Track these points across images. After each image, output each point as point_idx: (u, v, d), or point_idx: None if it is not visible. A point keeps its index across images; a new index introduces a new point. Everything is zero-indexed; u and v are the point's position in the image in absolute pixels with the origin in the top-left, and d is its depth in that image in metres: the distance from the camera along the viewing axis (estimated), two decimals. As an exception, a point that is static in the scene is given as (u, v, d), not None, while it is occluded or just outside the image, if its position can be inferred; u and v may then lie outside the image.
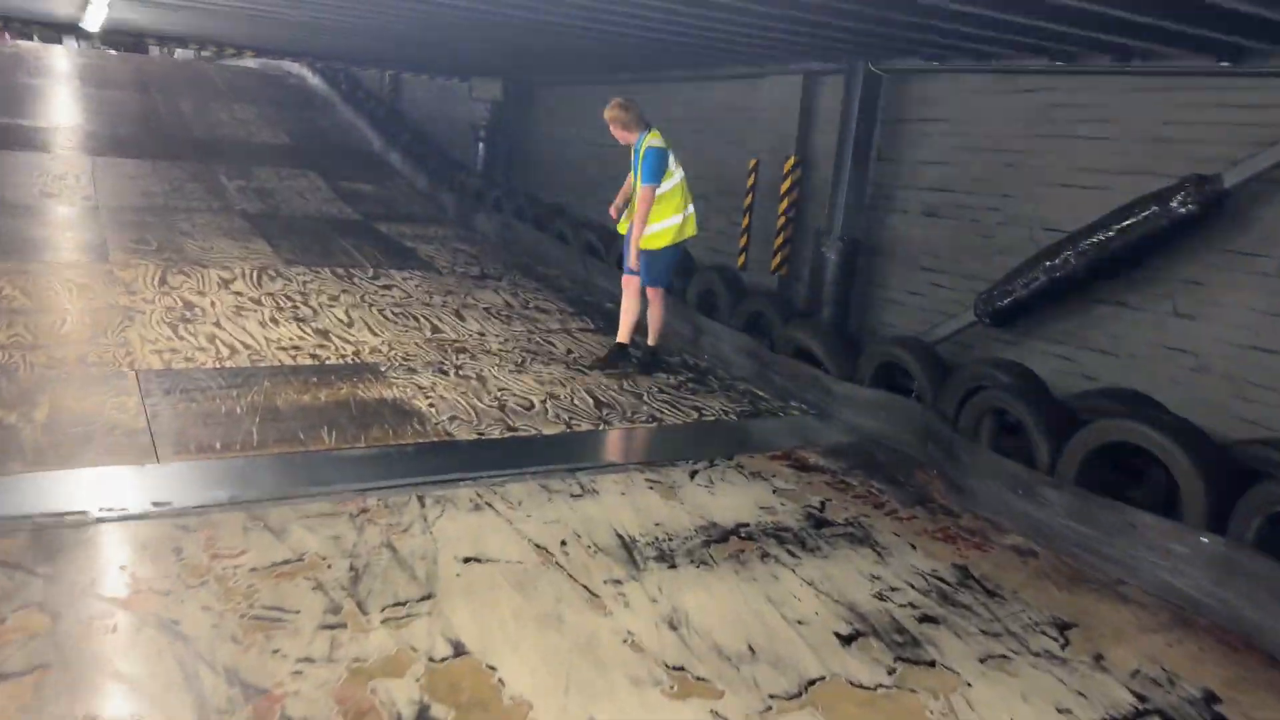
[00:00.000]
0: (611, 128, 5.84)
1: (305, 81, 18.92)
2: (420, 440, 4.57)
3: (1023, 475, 4.12)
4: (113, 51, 25.44)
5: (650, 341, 6.19)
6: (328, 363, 5.62)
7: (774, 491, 4.38)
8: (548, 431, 4.90)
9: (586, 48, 7.82)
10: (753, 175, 7.38)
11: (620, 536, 3.74)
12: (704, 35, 6.16)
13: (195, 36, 9.96)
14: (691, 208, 5.90)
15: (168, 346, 5.53)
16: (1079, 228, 4.66)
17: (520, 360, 6.10)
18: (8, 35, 21.48)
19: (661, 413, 5.41)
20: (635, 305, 6.08)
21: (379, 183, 12.91)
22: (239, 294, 6.89)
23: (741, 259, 7.63)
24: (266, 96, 16.78)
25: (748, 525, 3.96)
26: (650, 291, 6.06)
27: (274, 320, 6.34)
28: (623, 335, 6.16)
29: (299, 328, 6.24)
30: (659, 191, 5.72)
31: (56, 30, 10.04)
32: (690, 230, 5.95)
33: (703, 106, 8.17)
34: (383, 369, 5.59)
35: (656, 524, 3.89)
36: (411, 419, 4.82)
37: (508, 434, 4.79)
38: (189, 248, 8.16)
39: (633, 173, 5.89)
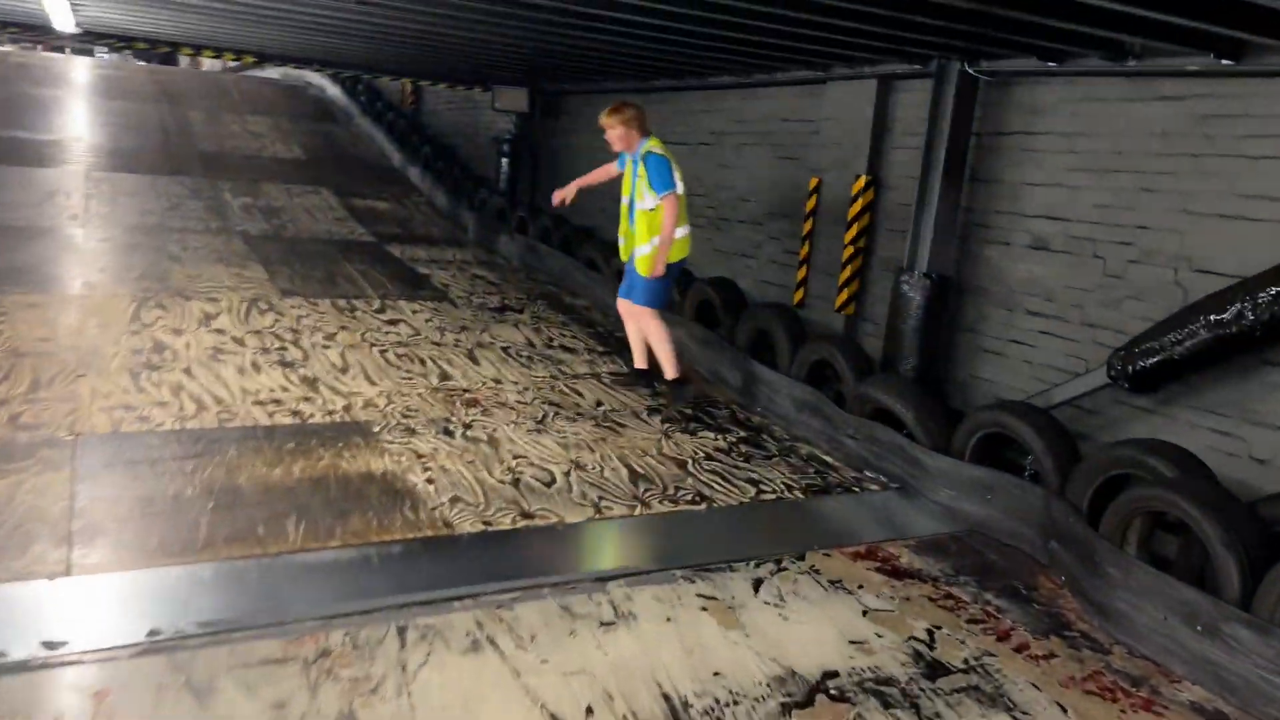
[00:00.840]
0: (611, 132, 5.42)
1: (324, 93, 18.19)
2: (411, 535, 3.62)
3: (1203, 606, 3.09)
4: (142, 63, 24.90)
5: (674, 374, 5.69)
6: (311, 421, 4.70)
7: (864, 613, 3.38)
8: (571, 518, 3.93)
9: (620, 48, 6.89)
10: (813, 197, 6.38)
11: (667, 698, 2.75)
12: (760, 31, 5.20)
13: (186, 38, 9.14)
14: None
15: (122, 402, 4.64)
16: (1259, 273, 3.63)
17: (541, 416, 5.15)
18: (40, 47, 21.06)
19: (711, 488, 4.43)
20: (666, 329, 5.67)
21: (396, 200, 12.06)
22: (220, 332, 6.00)
23: (799, 294, 6.61)
24: (283, 108, 16.05)
25: (837, 675, 2.96)
26: (647, 313, 5.58)
27: (255, 366, 5.44)
28: (671, 369, 5.68)
29: (284, 375, 5.33)
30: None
31: (75, 40, 9.30)
32: (687, 250, 5.58)
33: (752, 117, 7.19)
34: (376, 429, 4.66)
35: (715, 674, 2.90)
36: (402, 502, 3.88)
37: (521, 522, 3.84)
38: (175, 275, 7.30)
39: (634, 184, 5.45)
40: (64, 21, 7.99)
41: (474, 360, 6.09)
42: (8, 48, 19.70)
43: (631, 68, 7.94)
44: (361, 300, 7.27)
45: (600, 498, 4.16)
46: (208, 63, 31.46)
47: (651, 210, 5.33)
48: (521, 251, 9.58)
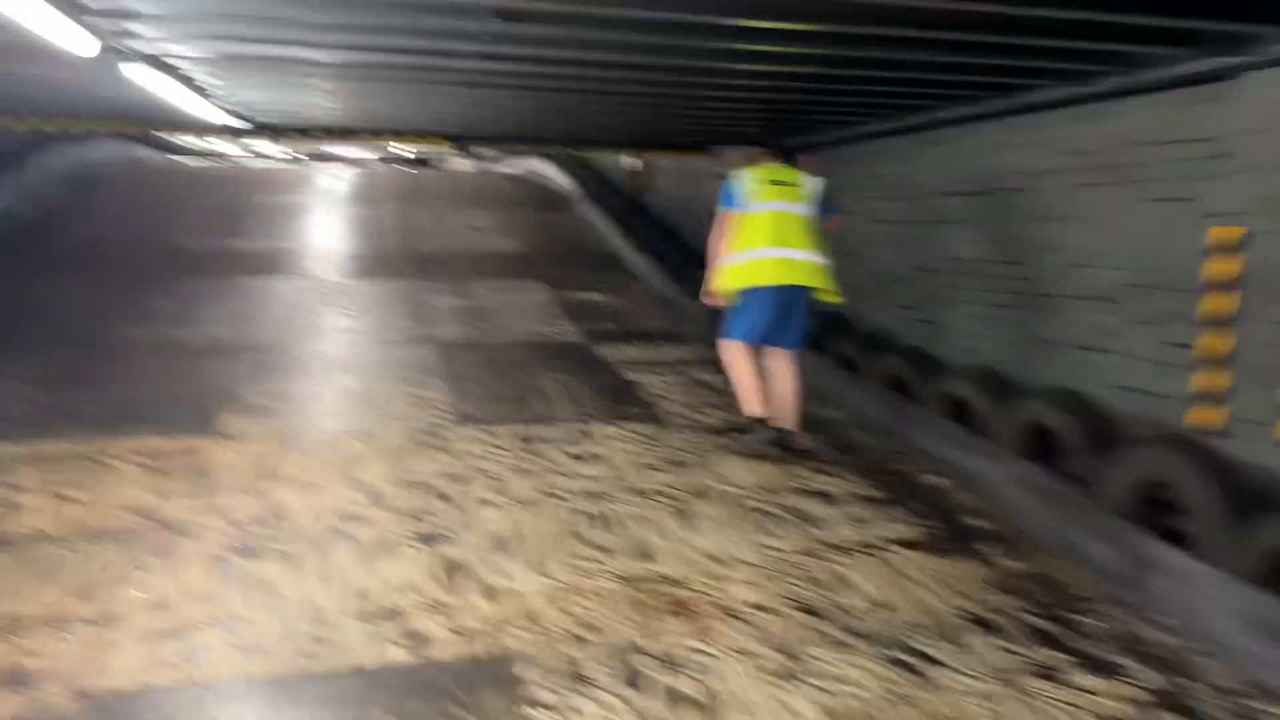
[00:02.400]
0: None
1: (550, 181, 17.64)
2: None
3: None
4: (384, 167, 26.30)
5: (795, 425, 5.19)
6: (433, 655, 3.02)
7: None
8: None
9: (894, 72, 5.03)
10: (1227, 257, 4.02)
11: None
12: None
13: (354, 123, 8.43)
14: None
15: (173, 624, 3.19)
16: None
17: (791, 641, 3.17)
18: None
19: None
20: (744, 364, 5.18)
21: (613, 290, 10.68)
22: (359, 485, 4.57)
23: (1209, 413, 4.15)
24: (507, 199, 15.48)
25: None
26: (721, 345, 5.28)
27: (386, 544, 3.89)
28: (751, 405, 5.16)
29: (420, 559, 3.74)
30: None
31: (242, 133, 8.97)
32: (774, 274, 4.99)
33: (1095, 145, 4.88)
34: (525, 674, 2.90)
35: None
36: None
37: None
38: (336, 402, 6.11)
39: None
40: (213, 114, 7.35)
41: (687, 521, 4.24)
42: (258, 159, 21.18)
43: (901, 98, 5.98)
44: (551, 427, 5.68)
45: None
46: (458, 162, 33.09)
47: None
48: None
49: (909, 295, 6.88)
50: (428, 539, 3.95)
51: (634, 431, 5.64)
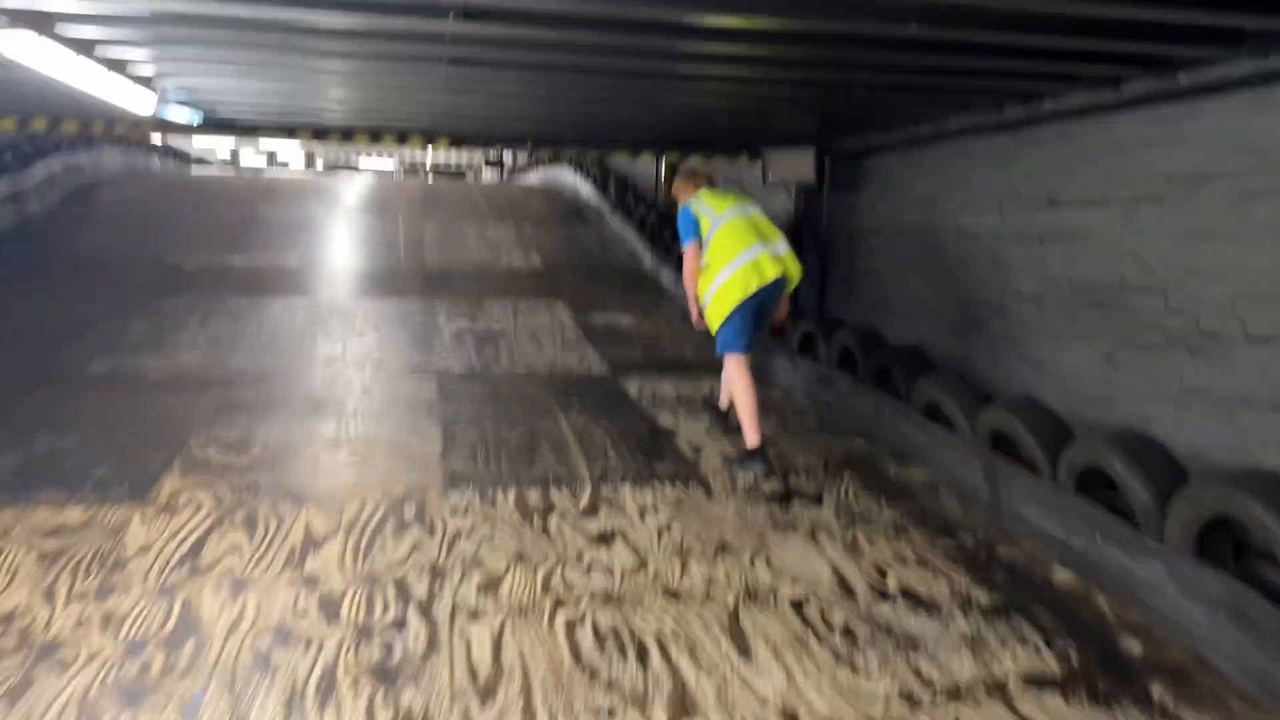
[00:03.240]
0: None
1: (577, 192, 16.63)
2: None
3: None
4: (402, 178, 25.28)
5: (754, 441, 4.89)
6: None
7: None
8: None
9: (989, 53, 3.94)
10: None
11: None
12: None
13: (349, 123, 7.38)
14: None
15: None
16: None
17: None
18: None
19: None
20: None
21: (642, 312, 9.59)
22: (306, 582, 3.49)
23: None
24: (528, 211, 14.47)
25: None
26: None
27: (325, 686, 2.81)
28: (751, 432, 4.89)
29: (367, 713, 2.65)
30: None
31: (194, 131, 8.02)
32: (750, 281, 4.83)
33: (1272, 140, 3.77)
34: None
35: None
36: None
37: None
38: (304, 456, 5.06)
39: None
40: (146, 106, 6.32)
41: (738, 643, 3.13)
42: (267, 166, 20.27)
43: (996, 84, 4.87)
44: (564, 489, 4.59)
45: None
46: (490, 174, 32.09)
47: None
48: (808, 384, 6.57)
49: (1005, 328, 5.74)
50: (384, 676, 2.86)
51: (667, 498, 4.53)
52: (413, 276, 10.34)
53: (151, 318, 8.23)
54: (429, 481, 4.64)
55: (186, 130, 7.61)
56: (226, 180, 15.91)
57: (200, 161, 24.74)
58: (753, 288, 4.81)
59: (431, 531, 4.01)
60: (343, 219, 13.22)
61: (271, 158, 40.08)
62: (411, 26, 4.14)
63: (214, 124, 7.38)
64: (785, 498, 4.60)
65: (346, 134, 7.50)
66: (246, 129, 7.56)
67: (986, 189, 5.97)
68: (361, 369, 6.98)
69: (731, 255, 4.83)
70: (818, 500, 4.60)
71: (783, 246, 5.03)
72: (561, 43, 4.38)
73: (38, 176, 13.15)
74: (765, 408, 6.40)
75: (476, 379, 6.87)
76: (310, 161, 40.05)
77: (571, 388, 6.76)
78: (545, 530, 4.08)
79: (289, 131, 7.56)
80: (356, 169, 39.84)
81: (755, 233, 4.91)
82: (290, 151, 41.71)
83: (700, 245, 4.96)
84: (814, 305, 7.62)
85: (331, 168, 40.28)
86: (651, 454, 5.24)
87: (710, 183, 5.42)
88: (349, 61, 5.18)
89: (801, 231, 7.64)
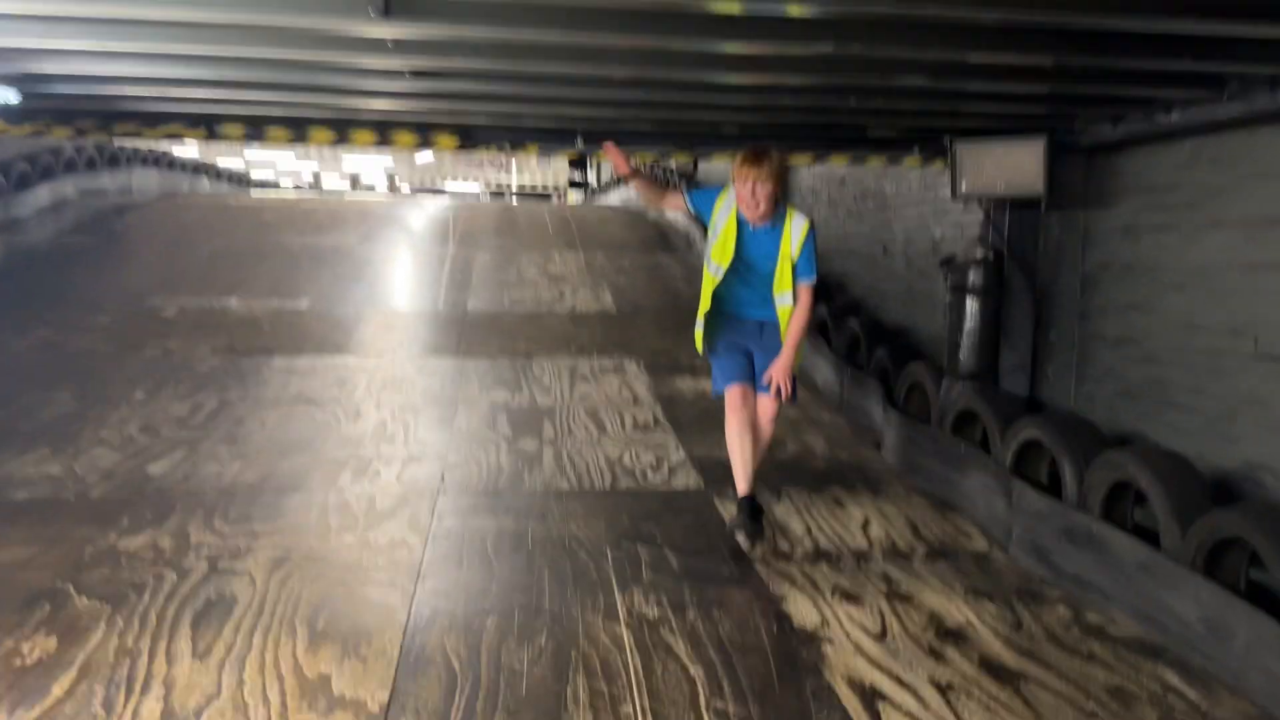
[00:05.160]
0: (761, 190, 3.74)
1: (661, 215, 14.21)
2: None
3: None
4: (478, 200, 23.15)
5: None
6: None
7: None
8: None
9: None
10: None
11: None
12: None
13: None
14: None
15: None
16: None
17: None
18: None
19: None
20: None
21: (746, 375, 7.05)
22: None
23: None
24: (603, 237, 12.11)
25: None
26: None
27: None
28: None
29: None
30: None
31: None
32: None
33: None
34: None
35: None
36: None
37: None
38: (211, 663, 2.70)
39: (763, 259, 3.90)
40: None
41: None
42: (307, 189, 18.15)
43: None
44: None
45: None
46: (576, 196, 29.89)
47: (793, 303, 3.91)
48: (1031, 528, 3.88)
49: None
50: None
51: None
52: (449, 326, 8.03)
53: (82, 386, 6.11)
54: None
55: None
56: (280, 205, 14.06)
57: (260, 185, 23.31)
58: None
59: None
60: (377, 250, 11.05)
61: (354, 181, 39.22)
62: None
63: (47, 109, 4.86)
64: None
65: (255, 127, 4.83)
66: (104, 119, 4.93)
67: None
68: (321, 477, 4.64)
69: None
70: None
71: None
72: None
73: (39, 201, 11.50)
74: (957, 571, 3.83)
75: (497, 504, 4.45)
76: (392, 184, 39.02)
77: (642, 516, 4.28)
78: None
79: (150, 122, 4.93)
80: (442, 191, 38.65)
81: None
82: (373, 174, 40.86)
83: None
84: (1024, 385, 4.90)
85: (417, 191, 39.18)
86: (787, 708, 2.71)
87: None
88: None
89: (1005, 273, 4.87)
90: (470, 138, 4.74)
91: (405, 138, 4.75)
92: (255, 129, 4.73)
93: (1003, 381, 4.92)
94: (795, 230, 3.86)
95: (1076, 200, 4.67)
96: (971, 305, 4.84)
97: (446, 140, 4.78)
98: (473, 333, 7.82)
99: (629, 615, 3.31)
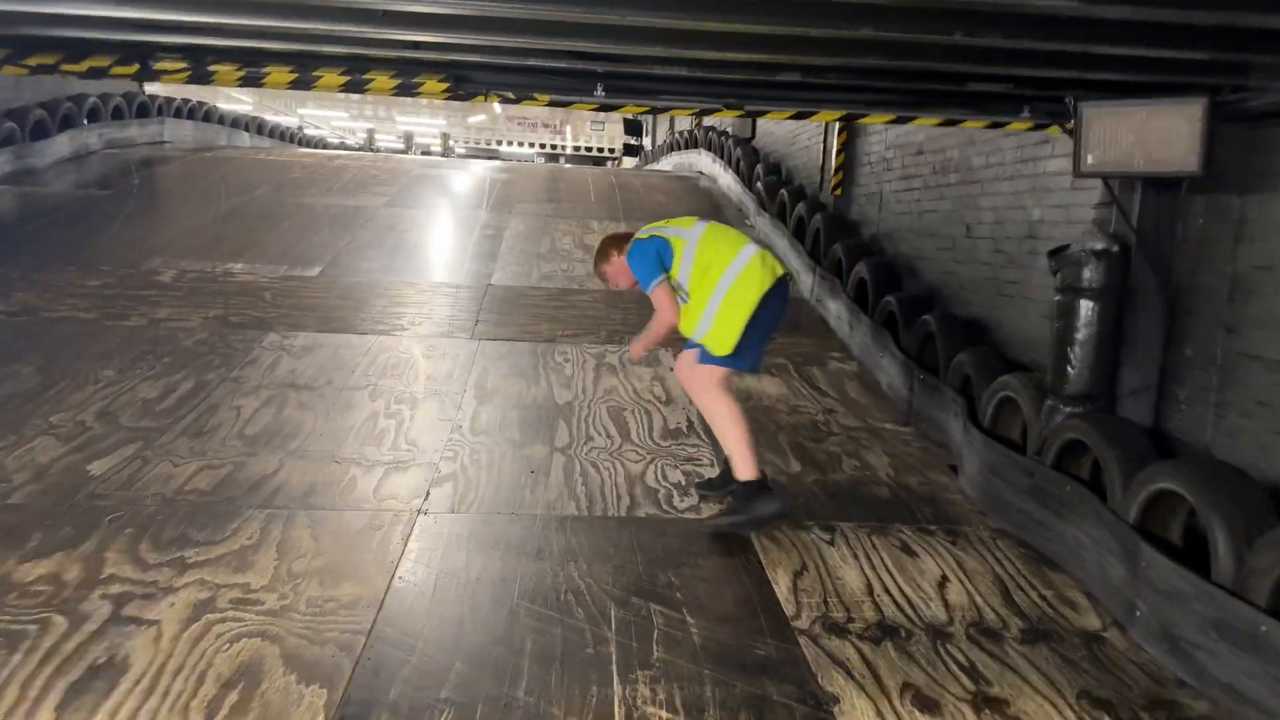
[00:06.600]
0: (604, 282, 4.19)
1: (715, 181, 13.26)
2: None
3: None
4: (534, 162, 22.17)
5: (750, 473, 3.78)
6: None
7: None
8: None
9: None
10: None
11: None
12: None
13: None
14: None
15: None
16: None
17: None
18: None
19: None
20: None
21: (797, 373, 6.16)
22: None
23: None
24: (650, 206, 11.18)
25: None
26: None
27: None
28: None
29: None
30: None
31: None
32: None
33: None
34: None
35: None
36: None
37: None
38: None
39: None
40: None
41: None
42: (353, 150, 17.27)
43: None
44: None
45: None
46: (630, 161, 28.81)
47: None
48: (1163, 609, 2.97)
49: None
50: None
51: None
52: (466, 303, 7.22)
53: (20, 370, 5.45)
54: None
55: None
56: (310, 162, 13.35)
57: (309, 143, 22.70)
58: (767, 283, 3.80)
59: None
60: (411, 212, 10.29)
61: (408, 141, 38.64)
62: None
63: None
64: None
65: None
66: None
67: None
68: (287, 503, 3.87)
69: (730, 255, 3.84)
70: None
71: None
72: None
73: (59, 151, 10.95)
74: (1069, 667, 2.92)
75: (485, 535, 3.65)
76: (446, 145, 38.38)
77: (660, 560, 3.45)
78: None
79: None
80: (496, 154, 37.92)
81: (737, 237, 4.00)
82: (429, 136, 40.23)
83: (669, 280, 3.85)
84: (1147, 412, 3.91)
85: (472, 153, 38.48)
86: None
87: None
88: None
89: (1131, 270, 3.84)
90: (464, 81, 3.85)
91: (383, 81, 3.88)
92: (198, 64, 3.91)
93: (1120, 406, 3.94)
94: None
95: (1232, 182, 3.64)
96: (1086, 309, 3.85)
97: (433, 84, 3.89)
98: (492, 311, 7.01)
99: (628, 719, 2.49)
